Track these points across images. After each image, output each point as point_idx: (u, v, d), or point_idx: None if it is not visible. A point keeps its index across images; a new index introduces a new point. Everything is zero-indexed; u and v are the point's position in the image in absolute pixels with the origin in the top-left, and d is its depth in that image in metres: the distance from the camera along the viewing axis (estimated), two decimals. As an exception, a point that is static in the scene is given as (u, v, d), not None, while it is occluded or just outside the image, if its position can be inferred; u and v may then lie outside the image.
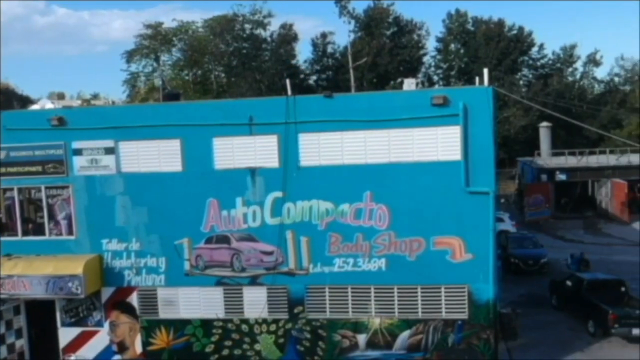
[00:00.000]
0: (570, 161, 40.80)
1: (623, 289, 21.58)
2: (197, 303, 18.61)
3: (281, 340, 18.33)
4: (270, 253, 18.14)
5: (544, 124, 47.86)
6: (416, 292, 17.74)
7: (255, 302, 18.36)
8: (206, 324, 18.61)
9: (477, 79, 19.11)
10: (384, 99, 17.87)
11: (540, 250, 28.97)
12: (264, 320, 18.37)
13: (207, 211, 18.23)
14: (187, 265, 18.48)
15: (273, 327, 18.37)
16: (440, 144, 17.08)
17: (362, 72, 60.68)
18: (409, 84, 18.70)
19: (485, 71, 17.47)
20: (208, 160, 18.03)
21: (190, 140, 18.02)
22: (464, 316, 17.61)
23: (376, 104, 17.38)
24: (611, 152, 41.18)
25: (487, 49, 63.50)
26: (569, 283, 22.83)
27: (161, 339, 18.88)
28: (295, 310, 18.20)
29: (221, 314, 18.53)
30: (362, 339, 18.08)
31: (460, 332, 17.71)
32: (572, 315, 21.90)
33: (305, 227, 17.82)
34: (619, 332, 19.77)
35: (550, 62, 68.08)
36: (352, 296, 18.02)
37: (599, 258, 28.21)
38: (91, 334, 19.14)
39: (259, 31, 65.57)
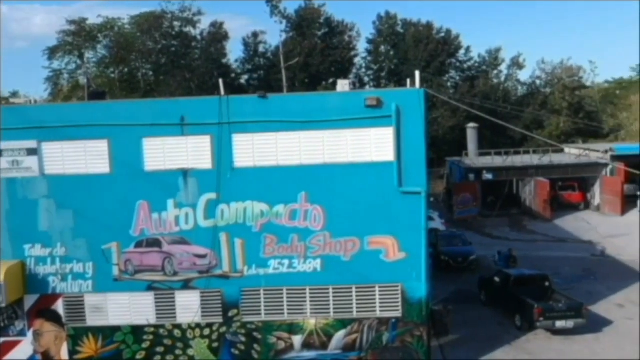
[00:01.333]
0: (497, 161, 42.25)
1: (547, 283, 22.47)
2: (127, 309, 18.03)
3: (215, 345, 18.03)
4: (203, 256, 17.80)
5: (471, 124, 49.34)
6: (351, 292, 17.85)
7: (188, 307, 17.98)
8: (137, 331, 18.05)
9: (408, 80, 19.40)
10: (318, 100, 17.92)
11: (469, 248, 29.77)
12: (198, 325, 18.01)
13: (137, 214, 17.69)
14: (115, 271, 17.87)
15: (207, 332, 18.03)
16: (374, 145, 17.27)
17: (294, 72, 60.71)
18: (343, 85, 18.77)
19: (417, 73, 17.78)
20: (137, 162, 17.50)
21: (118, 141, 17.43)
22: (398, 314, 17.87)
23: (310, 105, 17.39)
24: (534, 152, 42.92)
25: (416, 51, 64.84)
26: (497, 279, 23.54)
27: (89, 347, 18.17)
28: (230, 314, 17.94)
29: (152, 320, 18.03)
30: (297, 340, 18.03)
31: (394, 331, 17.95)
32: (501, 310, 22.59)
33: (240, 229, 17.62)
34: (544, 325, 20.56)
35: (476, 64, 70.25)
36: (288, 298, 17.94)
37: (524, 254, 29.30)
38: (13, 345, 18.19)
39: (189, 29, 64.45)
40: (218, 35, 64.73)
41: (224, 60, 66.49)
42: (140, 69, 64.61)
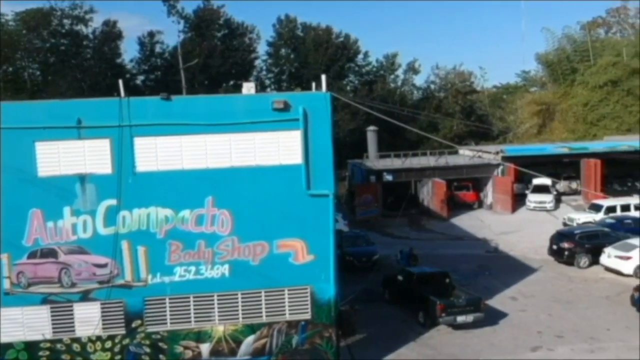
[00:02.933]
0: (396, 163, 43.49)
1: (447, 280, 23.32)
2: (20, 324, 16.84)
3: (118, 358, 17.24)
4: (103, 265, 16.97)
5: (371, 127, 50.50)
6: (260, 297, 17.67)
7: (88, 319, 17.08)
8: (31, 347, 16.90)
9: (313, 84, 19.52)
10: (224, 103, 17.64)
11: (372, 248, 30.40)
12: (98, 338, 17.14)
13: (30, 223, 16.59)
14: (6, 284, 16.63)
15: (108, 344, 17.21)
16: (282, 148, 17.21)
17: (193, 73, 59.43)
18: (249, 87, 18.52)
19: (323, 77, 17.89)
20: (29, 167, 16.42)
21: (7, 145, 16.26)
22: (308, 317, 17.90)
23: (216, 108, 17.07)
24: (431, 153, 44.60)
25: (316, 55, 65.54)
26: (400, 277, 24.18)
27: (-23, 368, 16.80)
28: (133, 325, 17.22)
29: (49, 335, 16.94)
30: (205, 348, 17.61)
31: (303, 333, 17.96)
32: (404, 308, 23.20)
33: (143, 236, 16.96)
34: (445, 320, 21.32)
35: (374, 69, 72.04)
36: (195, 305, 17.48)
37: (424, 252, 30.32)
38: None
39: (80, 27, 61.42)
40: (111, 34, 62.27)
41: (118, 60, 64.07)
42: (27, 69, 60.80)
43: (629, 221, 33.57)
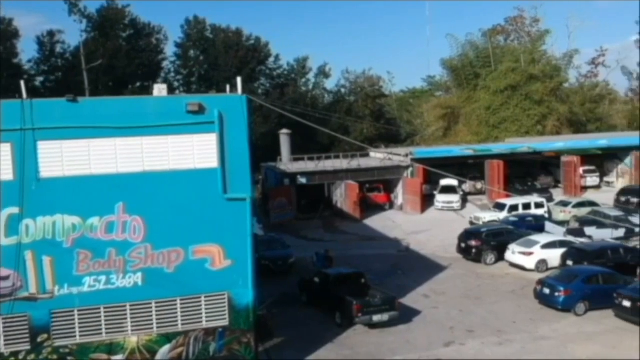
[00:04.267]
0: (309, 165, 43.69)
1: (363, 280, 23.65)
2: None
3: (22, 376, 16.18)
4: (5, 278, 15.91)
5: (284, 131, 50.49)
6: (176, 305, 17.19)
7: (-12, 336, 15.94)
8: None
9: (228, 86, 19.26)
10: (135, 105, 17.05)
11: (288, 251, 30.36)
12: (0, 355, 16.00)
13: None
14: None
15: (12, 362, 16.13)
16: (197, 151, 16.85)
17: (97, 74, 57.05)
18: (160, 89, 17.98)
19: (239, 79, 17.69)
20: None
21: None
22: (225, 323, 17.61)
23: (127, 110, 16.45)
24: (343, 156, 45.14)
25: (226, 57, 64.81)
26: (316, 280, 24.27)
27: None
28: (39, 339, 16.27)
29: (-58, 356, 15.69)
30: (118, 360, 16.90)
31: (221, 340, 17.64)
32: (322, 310, 23.28)
33: (48, 245, 16.09)
34: (362, 320, 21.59)
35: (285, 72, 72.16)
36: (106, 316, 16.75)
37: (339, 254, 30.55)
38: None
39: (-30, 25, 57.51)
40: (7, 32, 58.66)
41: (15, 60, 60.43)
42: None
43: (530, 219, 35.50)
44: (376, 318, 21.69)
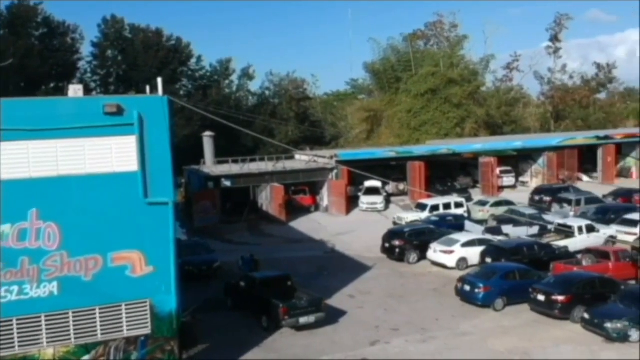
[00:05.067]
0: (234, 168, 43.18)
1: (289, 283, 23.56)
2: None
3: None
4: None
5: (207, 133, 49.70)
6: (94, 314, 16.52)
7: None
8: None
9: (147, 87, 18.71)
10: (49, 106, 16.21)
11: (213, 256, 29.87)
12: None
13: None
14: None
15: None
16: (115, 154, 16.26)
17: (7, 74, 54.14)
18: (76, 90, 17.24)
19: (159, 80, 17.26)
20: None
21: None
22: (147, 331, 17.10)
23: (40, 112, 15.64)
24: (269, 159, 44.91)
25: (146, 58, 63.14)
26: (242, 284, 23.98)
27: None
28: (-56, 356, 15.20)
29: None
30: (32, 374, 16.04)
31: (143, 349, 17.12)
32: (248, 314, 23.04)
33: (-46, 255, 15.03)
34: (289, 323, 21.51)
35: (208, 74, 71.10)
36: (19, 328, 15.87)
37: (265, 257, 30.36)
38: None
39: None
40: None
41: None
42: None
43: (450, 218, 36.56)
44: (303, 320, 21.66)
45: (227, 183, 41.49)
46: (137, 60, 63.53)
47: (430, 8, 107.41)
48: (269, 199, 42.40)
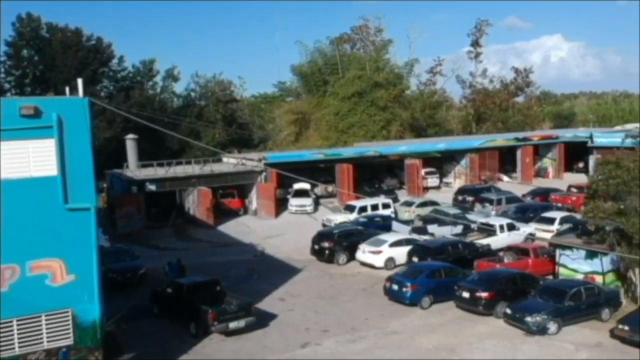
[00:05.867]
0: (159, 172, 42.13)
1: (218, 288, 23.19)
2: None
3: None
4: None
5: (130, 136, 48.31)
6: (12, 327, 15.68)
7: None
8: None
9: (67, 88, 17.92)
10: (-41, 107, 15.21)
11: (138, 262, 29.02)
12: None
13: None
14: None
15: None
16: (33, 158, 15.50)
17: None
18: (-11, 90, 16.33)
19: (79, 81, 16.59)
20: None
21: None
22: (70, 342, 16.45)
23: (-51, 113, 14.68)
24: (196, 162, 44.07)
25: (65, 58, 60.71)
26: (169, 290, 23.42)
27: None
28: None
29: None
30: (-58, 394, 15.05)
31: (65, 360, 16.37)
32: (176, 321, 22.50)
33: None
34: (218, 328, 21.16)
35: (130, 75, 69.12)
36: None
37: (193, 262, 29.79)
38: None
39: None
40: None
41: None
42: None
43: (378, 219, 37.11)
44: (232, 325, 21.39)
45: (152, 187, 40.47)
46: (55, 61, 60.97)
47: (356, 12, 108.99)
48: (196, 202, 41.68)
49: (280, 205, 44.00)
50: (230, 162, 47.17)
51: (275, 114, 69.35)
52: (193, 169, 42.70)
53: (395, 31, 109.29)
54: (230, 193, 44.56)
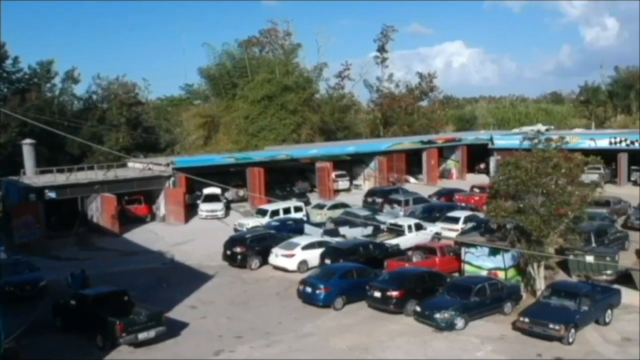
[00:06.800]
0: (59, 178, 39.96)
1: (126, 298, 22.32)
2: None
3: None
4: None
5: (27, 141, 45.56)
6: None
7: None
8: None
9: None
10: None
11: (37, 274, 27.47)
12: None
13: None
14: None
15: None
16: None
17: None
18: None
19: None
20: None
21: None
22: (-39, 364, 15.16)
23: None
24: (99, 167, 42.21)
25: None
26: (73, 302, 22.28)
27: None
28: None
29: None
30: None
31: (-43, 383, 15.15)
32: (81, 334, 21.46)
33: None
34: (127, 340, 20.34)
35: (27, 76, 65.30)
36: None
37: (98, 272, 28.41)
38: None
39: None
40: None
41: None
42: None
43: (290, 222, 37.10)
44: (142, 336, 20.66)
45: (52, 194, 38.42)
46: None
47: (265, 15, 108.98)
48: (100, 210, 39.92)
49: (190, 210, 43.07)
50: (136, 167, 45.61)
51: (182, 117, 67.85)
52: (96, 175, 40.88)
53: (304, 35, 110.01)
54: (137, 199, 43.13)
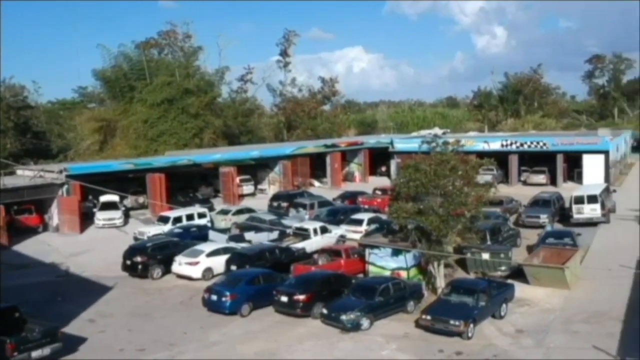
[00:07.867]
0: None
1: (17, 314, 20.87)
2: None
3: None
4: None
5: None
6: None
7: None
8: None
9: None
10: None
11: None
12: None
13: None
14: None
15: None
16: None
17: None
18: None
19: None
20: None
21: None
22: None
23: None
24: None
25: None
26: (-44, 322, 20.55)
27: None
28: None
29: None
30: None
31: None
32: (-36, 357, 19.83)
33: None
34: (19, 359, 19.04)
35: None
36: None
37: (-16, 288, 26.52)
38: None
39: None
40: None
41: None
42: None
43: (194, 229, 36.22)
44: (36, 354, 19.40)
45: None
46: None
47: (163, 17, 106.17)
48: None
49: (86, 219, 41.07)
50: (25, 175, 42.97)
51: (76, 121, 64.73)
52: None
53: (205, 38, 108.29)
54: (27, 209, 40.58)
